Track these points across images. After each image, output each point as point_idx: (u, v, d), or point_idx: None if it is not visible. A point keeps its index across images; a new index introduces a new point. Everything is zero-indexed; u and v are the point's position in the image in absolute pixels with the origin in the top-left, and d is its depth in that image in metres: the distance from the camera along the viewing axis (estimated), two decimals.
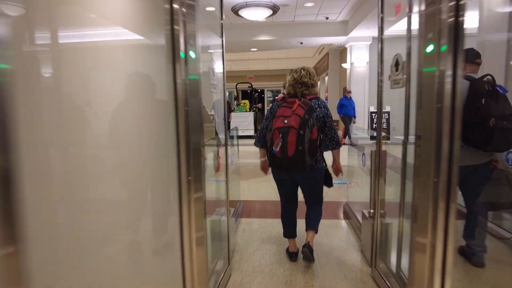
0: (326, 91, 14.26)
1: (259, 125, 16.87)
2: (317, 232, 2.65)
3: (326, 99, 14.14)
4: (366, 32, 9.37)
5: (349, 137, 10.09)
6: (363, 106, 10.22)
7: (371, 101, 10.35)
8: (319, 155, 2.48)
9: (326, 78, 14.13)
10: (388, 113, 10.49)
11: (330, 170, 2.70)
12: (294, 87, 2.51)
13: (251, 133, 12.21)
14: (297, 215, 2.76)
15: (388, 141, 9.79)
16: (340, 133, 12.12)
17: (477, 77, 2.40)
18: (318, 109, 2.42)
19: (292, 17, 9.48)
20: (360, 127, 10.46)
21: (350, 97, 10.02)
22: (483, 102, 2.22)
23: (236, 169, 6.76)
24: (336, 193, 5.15)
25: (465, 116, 1.88)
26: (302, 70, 2.53)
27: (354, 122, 10.18)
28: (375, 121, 10.49)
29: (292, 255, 2.72)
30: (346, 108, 9.92)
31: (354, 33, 9.59)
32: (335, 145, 2.53)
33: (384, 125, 10.49)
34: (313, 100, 2.46)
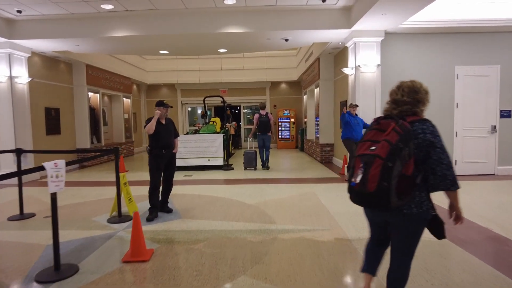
0: (317, 108, 11.36)
1: (232, 149, 13.82)
2: None
3: (317, 117, 11.22)
4: (378, 22, 6.56)
5: None
6: None
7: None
8: (418, 197, 1.92)
9: (316, 90, 11.28)
10: None
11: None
12: (389, 106, 2.09)
13: (220, 162, 9.04)
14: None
15: None
16: (340, 162, 9.16)
17: None
18: (421, 135, 1.88)
19: (273, 0, 6.59)
20: None
21: (356, 114, 7.10)
22: None
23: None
24: None
25: None
26: (395, 87, 2.11)
27: None
28: None
29: None
30: (352, 128, 6.98)
31: (361, 25, 6.77)
32: (448, 185, 1.88)
33: None
34: (416, 124, 1.92)
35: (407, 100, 1.99)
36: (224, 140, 9.46)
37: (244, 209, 4.98)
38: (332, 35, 7.57)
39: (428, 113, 6.96)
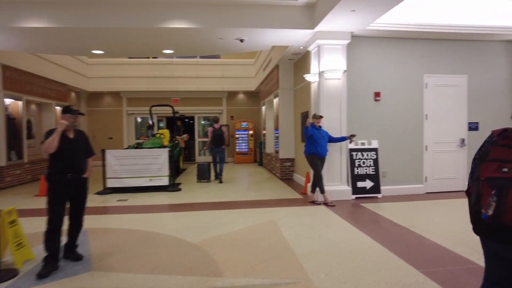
0: (276, 119, 10.46)
1: (183, 164, 12.45)
2: None
3: (276, 129, 10.31)
4: (345, 21, 5.77)
5: (322, 190, 6.18)
6: None
7: (352, 131, 6.66)
8: None
9: (275, 100, 10.40)
10: (376, 150, 6.86)
11: None
12: None
13: (165, 181, 7.70)
14: None
15: (379, 195, 5.44)
16: (302, 180, 8.12)
17: None
18: None
19: None
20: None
21: (320, 126, 6.22)
22: None
23: None
24: None
25: None
26: None
27: (353, 136, 6.37)
28: (357, 163, 6.78)
29: None
30: (316, 143, 6.07)
31: (326, 25, 5.95)
32: None
33: (371, 170, 6.80)
34: None
35: None
36: (173, 155, 8.18)
37: (183, 253, 3.76)
38: (293, 37, 6.68)
39: (397, 125, 6.13)
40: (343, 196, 6.48)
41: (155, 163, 7.63)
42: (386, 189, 6.79)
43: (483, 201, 1.54)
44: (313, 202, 6.18)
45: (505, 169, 1.51)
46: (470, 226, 4.61)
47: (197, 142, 15.12)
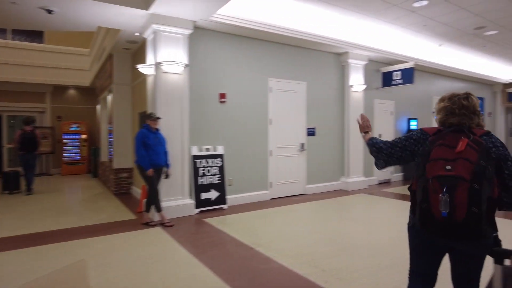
0: (110, 120, 8.72)
1: None
2: None
3: (110, 133, 8.57)
4: (186, 8, 4.88)
5: (158, 208, 5.09)
6: (180, 145, 5.53)
7: (195, 135, 5.81)
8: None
9: (109, 98, 8.68)
10: (221, 156, 6.23)
11: None
12: (460, 118, 1.73)
13: None
14: None
15: (225, 206, 4.88)
16: (137, 192, 6.73)
17: None
18: (494, 149, 1.65)
19: None
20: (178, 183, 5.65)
21: (157, 130, 5.12)
22: None
23: None
24: None
25: None
26: (470, 95, 1.79)
27: (168, 176, 5.29)
28: (201, 172, 5.99)
29: None
30: (151, 150, 4.94)
31: (162, 7, 4.92)
32: None
33: (217, 179, 6.12)
34: (484, 137, 1.68)
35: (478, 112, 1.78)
36: None
37: None
38: (124, 17, 5.35)
39: (243, 130, 5.58)
40: (185, 211, 5.55)
41: None
42: (232, 198, 6.23)
43: (433, 199, 1.55)
44: (148, 224, 4.99)
45: (449, 167, 1.54)
46: (313, 236, 4.29)
47: (5, 149, 11.57)
